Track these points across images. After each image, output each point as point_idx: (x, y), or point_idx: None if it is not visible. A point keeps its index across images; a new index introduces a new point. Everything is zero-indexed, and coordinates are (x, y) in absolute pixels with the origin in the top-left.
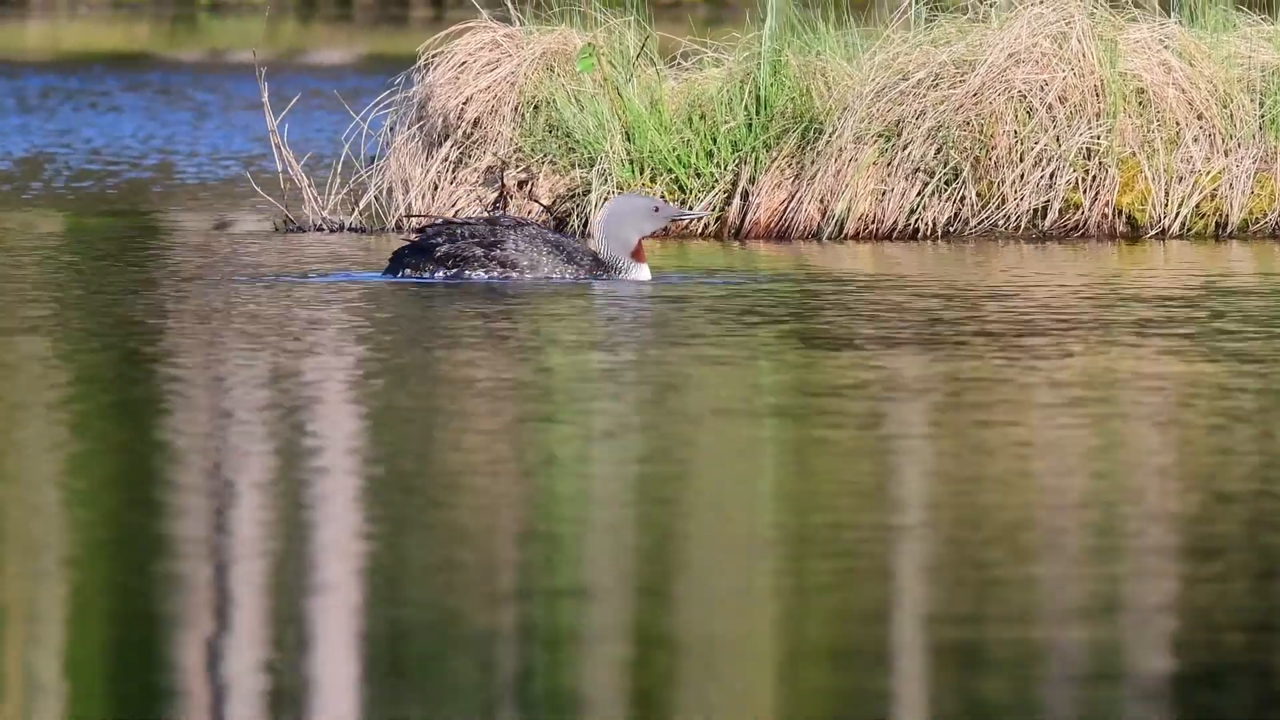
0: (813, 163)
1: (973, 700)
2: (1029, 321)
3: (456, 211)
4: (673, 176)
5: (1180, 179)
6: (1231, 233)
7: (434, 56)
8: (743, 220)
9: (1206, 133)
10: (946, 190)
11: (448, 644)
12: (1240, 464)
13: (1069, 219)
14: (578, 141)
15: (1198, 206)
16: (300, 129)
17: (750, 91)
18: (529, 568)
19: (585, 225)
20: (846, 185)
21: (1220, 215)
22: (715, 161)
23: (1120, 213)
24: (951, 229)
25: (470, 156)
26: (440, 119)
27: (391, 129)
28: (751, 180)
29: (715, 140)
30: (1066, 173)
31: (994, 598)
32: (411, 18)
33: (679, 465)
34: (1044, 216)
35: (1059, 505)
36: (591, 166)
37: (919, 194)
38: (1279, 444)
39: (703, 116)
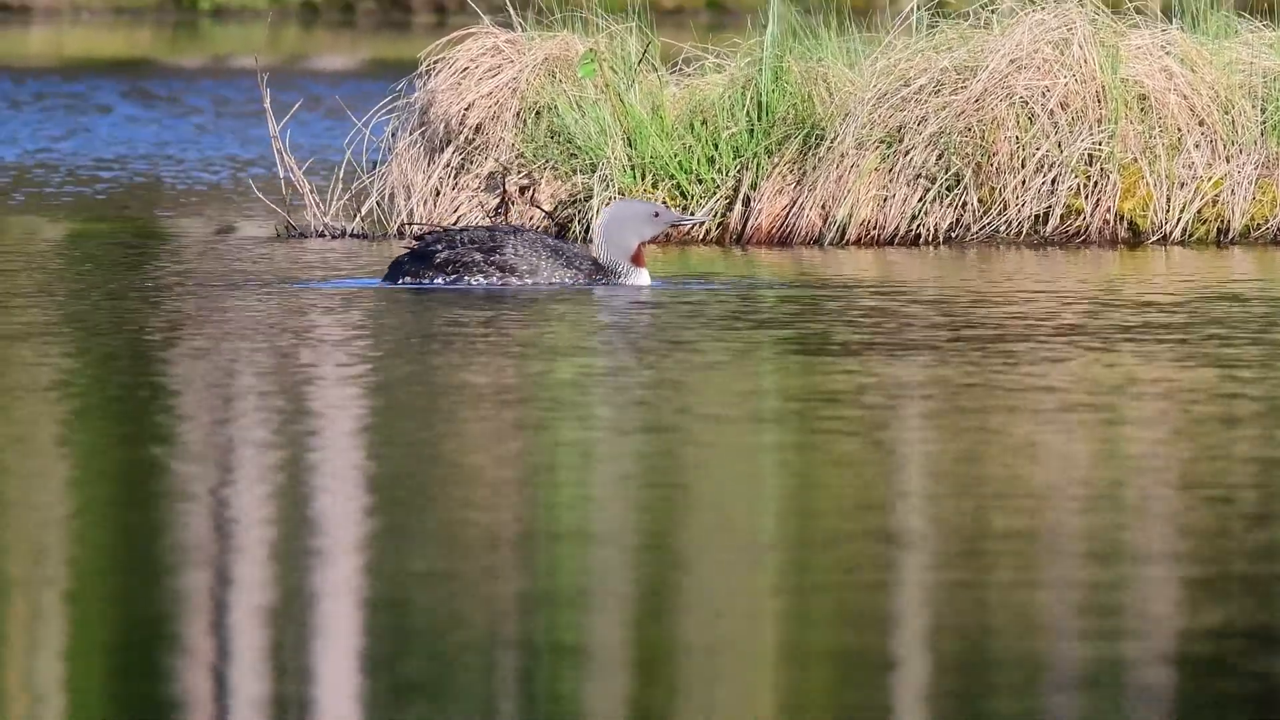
0: (814, 168)
1: (974, 707)
2: (1030, 327)
3: (459, 219)
4: (674, 182)
5: (1182, 185)
6: (1233, 239)
7: (436, 62)
8: (744, 226)
9: (1208, 139)
10: (948, 196)
11: (449, 649)
12: (1241, 470)
13: (1070, 225)
14: (579, 147)
15: (1199, 212)
16: (302, 135)
17: (752, 97)
18: (529, 573)
19: (587, 231)
20: (848, 191)
21: (1222, 221)
22: (717, 167)
23: (1122, 219)
24: (953, 235)
25: (472, 162)
26: (442, 125)
27: (393, 135)
28: (753, 186)
29: (717, 146)
30: (1068, 179)
31: (994, 604)
32: (413, 23)
33: (678, 471)
34: (1045, 222)
35: (1059, 511)
36: (593, 172)
37: (921, 200)
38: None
39: (704, 122)
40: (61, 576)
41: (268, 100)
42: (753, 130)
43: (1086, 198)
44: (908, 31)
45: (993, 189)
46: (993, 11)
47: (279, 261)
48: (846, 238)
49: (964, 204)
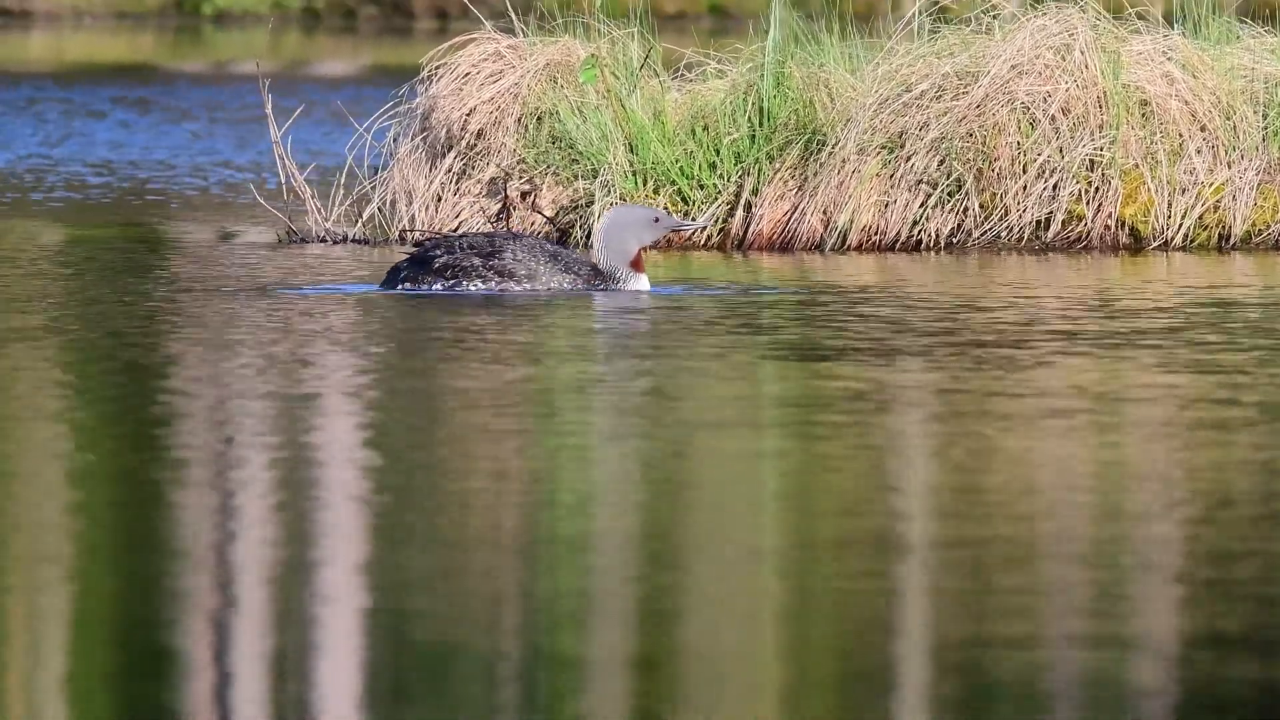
0: (816, 174)
1: (974, 711)
2: (1031, 333)
3: (460, 224)
4: (676, 188)
5: (1183, 191)
6: (1234, 244)
7: (438, 68)
8: (745, 231)
9: (1210, 144)
10: (949, 202)
11: (449, 654)
12: (1241, 476)
13: (1072, 230)
14: (581, 153)
15: (1201, 218)
16: (304, 140)
17: (753, 103)
18: (528, 578)
19: (588, 237)
20: (849, 196)
21: (1223, 227)
22: (718, 173)
23: (1123, 224)
24: (954, 240)
25: (474, 168)
26: (444, 130)
27: (395, 140)
28: (754, 191)
29: (718, 152)
30: (1069, 184)
31: (995, 611)
32: (415, 29)
33: (677, 477)
34: (1047, 228)
35: (1060, 517)
36: (595, 178)
37: (922, 205)
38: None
39: (706, 128)
40: (59, 580)
41: (269, 105)
42: (754, 135)
43: (1088, 203)
44: (909, 37)
45: (994, 194)
46: (994, 17)
47: (280, 267)
48: (848, 243)
49: (965, 209)
